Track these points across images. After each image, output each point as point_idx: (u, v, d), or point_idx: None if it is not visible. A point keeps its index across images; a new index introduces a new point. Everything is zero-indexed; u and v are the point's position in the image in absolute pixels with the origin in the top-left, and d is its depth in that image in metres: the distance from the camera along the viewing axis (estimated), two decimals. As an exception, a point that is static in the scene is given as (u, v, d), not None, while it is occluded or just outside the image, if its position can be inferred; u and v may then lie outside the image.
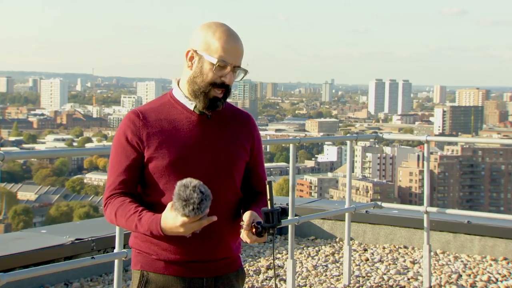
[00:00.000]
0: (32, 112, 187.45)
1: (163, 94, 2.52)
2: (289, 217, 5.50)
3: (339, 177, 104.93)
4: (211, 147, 2.41)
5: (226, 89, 2.40)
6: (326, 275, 6.38)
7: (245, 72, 2.44)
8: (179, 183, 2.14)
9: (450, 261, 6.90)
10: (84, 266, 5.33)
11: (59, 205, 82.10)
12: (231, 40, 2.37)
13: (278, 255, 7.00)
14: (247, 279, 6.07)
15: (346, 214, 6.12)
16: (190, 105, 2.43)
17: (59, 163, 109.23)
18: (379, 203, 6.58)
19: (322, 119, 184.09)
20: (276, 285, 5.88)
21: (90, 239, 5.93)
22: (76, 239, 5.86)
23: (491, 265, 6.74)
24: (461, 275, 6.38)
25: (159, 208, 2.33)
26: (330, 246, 7.48)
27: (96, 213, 73.96)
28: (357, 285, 6.05)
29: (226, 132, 2.46)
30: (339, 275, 6.32)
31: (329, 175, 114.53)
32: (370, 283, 6.12)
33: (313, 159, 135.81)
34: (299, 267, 6.61)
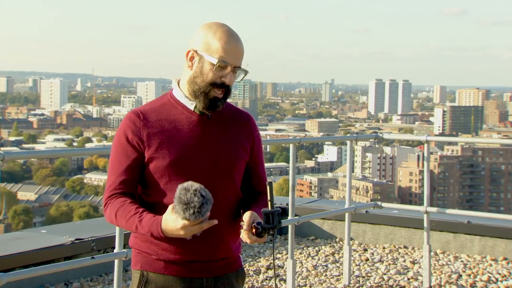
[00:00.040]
0: (32, 112, 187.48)
1: (163, 94, 2.52)
2: (289, 217, 5.50)
3: (339, 177, 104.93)
4: (211, 147, 2.41)
5: (226, 89, 2.40)
6: (326, 275, 6.38)
7: (245, 72, 2.44)
8: (180, 186, 2.14)
9: (450, 261, 6.91)
10: (84, 266, 5.33)
11: (59, 205, 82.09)
12: (231, 41, 2.38)
13: (278, 255, 7.00)
14: (247, 279, 6.07)
15: (346, 214, 6.12)
16: (191, 105, 2.43)
17: (59, 163, 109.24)
18: (379, 203, 6.58)
19: (322, 119, 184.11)
20: (276, 285, 5.88)
21: (90, 239, 5.93)
22: (76, 239, 5.86)
23: (491, 265, 6.74)
24: (461, 275, 6.38)
25: (159, 208, 2.33)
26: (330, 246, 7.48)
27: (96, 213, 73.96)
28: (357, 285, 6.05)
29: (226, 132, 2.46)
30: (339, 275, 6.32)
31: (329, 175, 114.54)
32: (370, 283, 6.13)
33: (313, 159, 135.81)
34: (299, 267, 6.61)
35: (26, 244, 5.69)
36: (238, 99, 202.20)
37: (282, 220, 2.30)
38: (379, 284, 6.09)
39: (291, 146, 5.60)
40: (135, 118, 2.40)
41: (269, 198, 2.29)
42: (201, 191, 2.12)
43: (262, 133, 3.74)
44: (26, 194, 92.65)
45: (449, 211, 6.41)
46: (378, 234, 7.62)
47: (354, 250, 7.28)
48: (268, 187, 2.30)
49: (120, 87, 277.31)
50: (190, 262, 2.39)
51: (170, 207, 2.18)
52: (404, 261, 6.89)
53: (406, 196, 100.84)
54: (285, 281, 5.77)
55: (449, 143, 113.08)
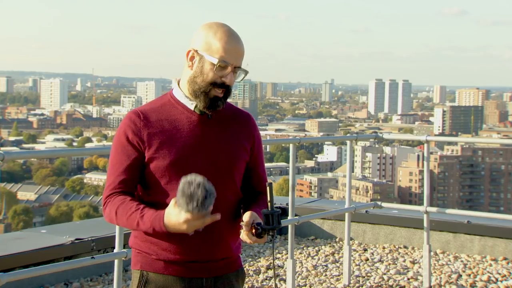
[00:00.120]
0: (32, 112, 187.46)
1: (163, 94, 2.52)
2: (289, 217, 5.50)
3: (339, 177, 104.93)
4: (212, 147, 2.41)
5: (226, 89, 2.40)
6: (326, 275, 6.38)
7: (246, 72, 2.44)
8: (183, 179, 2.12)
9: (450, 261, 6.91)
10: (84, 266, 5.33)
11: (59, 205, 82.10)
12: (232, 41, 2.38)
13: (278, 255, 7.00)
14: (247, 279, 6.07)
15: (346, 214, 6.12)
16: (191, 105, 2.43)
17: (59, 163, 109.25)
18: (379, 203, 6.58)
19: (322, 119, 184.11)
20: (276, 285, 5.87)
21: (90, 239, 5.93)
22: (76, 239, 5.86)
23: (491, 265, 6.74)
24: (461, 275, 6.38)
25: (159, 208, 2.32)
26: (330, 246, 7.48)
27: (96, 213, 73.97)
28: (357, 285, 6.05)
29: (227, 132, 2.46)
30: (339, 275, 6.32)
31: (329, 175, 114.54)
32: (370, 283, 6.12)
33: (313, 159, 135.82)
34: (299, 267, 6.61)
35: (26, 244, 5.69)
36: (238, 99, 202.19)
37: (282, 220, 2.30)
38: (379, 284, 6.09)
39: (291, 146, 5.60)
40: (136, 118, 2.40)
41: (269, 199, 2.29)
42: (205, 184, 2.11)
43: (262, 133, 3.74)
44: (26, 194, 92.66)
45: (449, 211, 6.41)
46: (378, 234, 7.62)
47: (354, 250, 7.28)
48: (268, 187, 2.30)
49: (120, 87, 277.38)
50: (190, 262, 2.39)
51: (172, 201, 2.17)
52: (404, 261, 6.89)
53: (406, 196, 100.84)
54: (285, 281, 5.77)
55: (449, 143, 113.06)
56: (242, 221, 2.33)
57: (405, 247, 7.45)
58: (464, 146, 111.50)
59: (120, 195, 2.36)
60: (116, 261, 4.14)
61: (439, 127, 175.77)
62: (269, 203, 2.28)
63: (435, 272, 6.47)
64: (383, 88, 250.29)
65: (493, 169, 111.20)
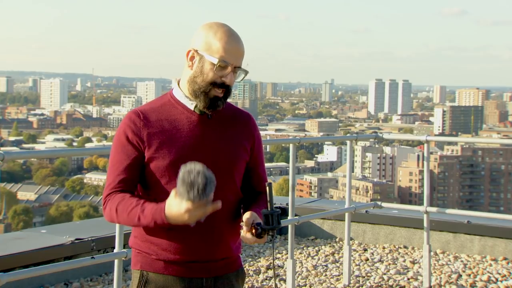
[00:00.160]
0: (32, 112, 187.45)
1: (163, 94, 2.52)
2: (289, 217, 5.50)
3: (339, 177, 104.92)
4: (212, 147, 2.41)
5: (226, 89, 2.40)
6: (326, 275, 6.38)
7: (246, 72, 2.44)
8: (183, 168, 2.11)
9: (450, 261, 6.91)
10: (84, 266, 5.33)
11: (59, 205, 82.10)
12: (232, 41, 2.38)
13: (278, 255, 7.00)
14: (247, 279, 6.07)
15: (346, 214, 6.12)
16: (191, 105, 2.43)
17: (59, 163, 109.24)
18: (379, 203, 6.58)
19: (322, 119, 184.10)
20: (276, 285, 5.87)
21: (90, 239, 5.93)
22: (76, 239, 5.86)
23: (491, 265, 6.74)
24: (461, 275, 6.38)
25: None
26: (330, 246, 7.48)
27: (96, 213, 73.96)
28: (357, 285, 6.05)
29: (227, 132, 2.46)
30: (339, 275, 6.32)
31: (329, 175, 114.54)
32: (370, 283, 6.12)
33: (313, 159, 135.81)
34: (299, 267, 6.61)
35: (26, 244, 5.69)
36: (238, 99, 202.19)
37: (281, 220, 2.30)
38: (379, 284, 6.09)
39: (291, 146, 5.60)
40: (135, 118, 2.40)
41: (268, 199, 2.29)
42: (205, 172, 2.10)
43: (262, 133, 3.73)
44: (26, 194, 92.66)
45: (449, 211, 6.41)
46: (378, 234, 7.62)
47: (354, 250, 7.28)
48: (267, 188, 2.30)
49: (120, 87, 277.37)
50: (190, 262, 2.38)
51: (173, 191, 2.16)
52: (404, 261, 6.89)
53: (406, 196, 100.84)
54: (285, 281, 5.77)
55: (449, 143, 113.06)
56: (242, 221, 2.33)
57: (405, 247, 7.45)
58: (464, 146, 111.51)
59: (119, 193, 2.36)
60: (116, 261, 4.14)
61: (439, 127, 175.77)
62: (268, 203, 2.28)
63: (435, 272, 6.47)
64: (383, 88, 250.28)
65: (493, 169, 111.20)
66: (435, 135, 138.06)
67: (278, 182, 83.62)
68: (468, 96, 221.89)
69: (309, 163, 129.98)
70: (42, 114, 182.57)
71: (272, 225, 2.27)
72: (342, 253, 6.91)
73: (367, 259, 6.95)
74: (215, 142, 2.42)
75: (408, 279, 6.27)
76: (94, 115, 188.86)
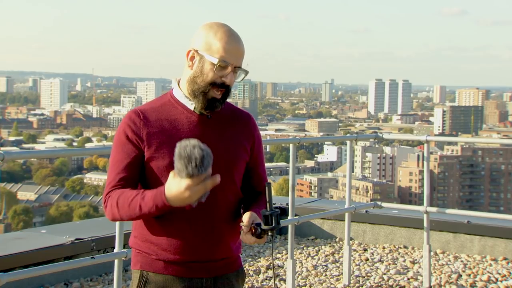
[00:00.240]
0: (32, 112, 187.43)
1: (163, 94, 2.52)
2: (289, 217, 5.50)
3: (339, 177, 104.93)
4: (211, 147, 2.39)
5: (226, 89, 2.40)
6: (326, 275, 6.38)
7: (246, 72, 2.44)
8: (178, 145, 2.10)
9: (450, 261, 6.91)
10: (84, 266, 5.33)
11: (59, 205, 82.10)
12: (232, 41, 2.38)
13: (278, 255, 7.00)
14: (247, 279, 6.07)
15: (346, 214, 6.12)
16: (190, 105, 2.43)
17: (59, 163, 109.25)
18: (379, 203, 6.58)
19: (322, 119, 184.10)
20: (276, 285, 5.88)
21: (90, 239, 5.93)
22: (76, 239, 5.86)
23: (491, 265, 6.74)
24: (461, 275, 6.38)
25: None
26: (330, 246, 7.48)
27: (96, 213, 73.97)
28: (357, 285, 6.05)
29: (227, 132, 2.46)
30: (339, 275, 6.32)
31: (329, 175, 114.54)
32: (370, 283, 6.12)
33: (313, 159, 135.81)
34: (299, 267, 6.61)
35: (26, 244, 5.69)
36: (238, 99, 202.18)
37: (281, 220, 2.30)
38: (379, 284, 6.09)
39: (291, 146, 5.60)
40: (135, 117, 2.40)
41: (267, 199, 2.29)
42: (200, 145, 2.09)
43: (262, 133, 3.73)
44: (26, 194, 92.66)
45: (449, 211, 6.41)
46: (378, 234, 7.62)
47: (354, 250, 7.28)
48: (266, 188, 2.30)
49: (120, 87, 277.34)
50: (190, 262, 2.38)
51: (171, 173, 2.15)
52: (404, 261, 6.89)
53: (406, 196, 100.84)
54: (285, 281, 5.77)
55: (449, 143, 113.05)
56: (242, 221, 2.33)
57: (405, 247, 7.45)
58: (464, 146, 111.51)
59: (119, 189, 2.35)
60: (116, 261, 4.14)
61: (439, 127, 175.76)
62: (267, 204, 2.28)
63: (435, 272, 6.47)
64: (383, 88, 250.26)
65: (493, 169, 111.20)
66: (435, 135, 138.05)
67: (278, 182, 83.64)
68: (468, 96, 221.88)
69: (309, 163, 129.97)
70: (42, 114, 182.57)
71: (271, 225, 2.27)
72: (342, 253, 6.91)
73: (367, 259, 6.95)
74: (215, 142, 2.41)
75: (408, 279, 6.27)
76: (94, 115, 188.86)
